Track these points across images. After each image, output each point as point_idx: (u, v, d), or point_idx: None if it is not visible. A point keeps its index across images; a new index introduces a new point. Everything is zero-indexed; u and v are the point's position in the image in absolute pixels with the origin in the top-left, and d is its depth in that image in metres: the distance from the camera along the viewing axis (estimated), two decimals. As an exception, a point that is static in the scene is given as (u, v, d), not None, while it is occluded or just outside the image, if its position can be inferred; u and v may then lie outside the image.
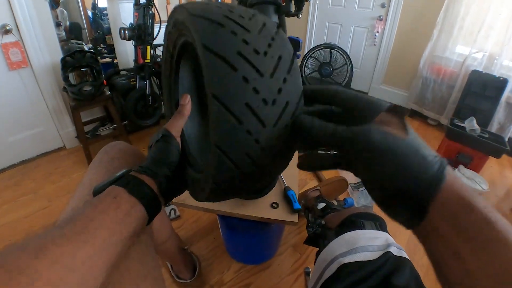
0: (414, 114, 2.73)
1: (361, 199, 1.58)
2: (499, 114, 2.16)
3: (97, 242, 0.28)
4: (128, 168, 0.39)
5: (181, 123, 0.43)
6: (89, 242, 0.27)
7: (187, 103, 0.43)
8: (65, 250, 0.26)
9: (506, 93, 2.09)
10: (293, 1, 0.73)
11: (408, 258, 0.51)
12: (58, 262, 0.25)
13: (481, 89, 2.14)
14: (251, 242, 1.12)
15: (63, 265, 0.25)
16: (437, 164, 0.25)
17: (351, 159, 0.28)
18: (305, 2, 0.73)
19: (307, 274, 1.14)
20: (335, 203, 1.34)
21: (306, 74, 3.08)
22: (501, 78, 2.08)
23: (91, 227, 0.28)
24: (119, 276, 0.39)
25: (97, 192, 0.35)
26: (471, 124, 1.78)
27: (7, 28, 1.61)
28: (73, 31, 3.16)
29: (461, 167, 1.66)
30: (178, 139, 0.41)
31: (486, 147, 1.71)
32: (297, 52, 1.23)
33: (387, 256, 0.49)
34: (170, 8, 2.40)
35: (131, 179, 0.35)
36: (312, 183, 1.71)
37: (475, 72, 2.19)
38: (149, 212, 0.34)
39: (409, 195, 0.25)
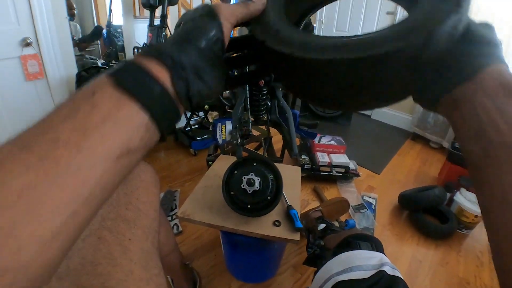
0: (417, 138, 2.76)
1: (363, 221, 1.59)
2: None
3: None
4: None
5: (241, 12, 0.31)
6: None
7: None
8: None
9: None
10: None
11: (402, 277, 0.53)
12: None
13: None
14: (253, 260, 1.13)
15: None
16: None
17: None
18: (311, 32, 0.78)
19: (307, 294, 1.14)
20: (337, 224, 1.35)
21: (310, 95, 3.15)
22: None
23: (42, 140, 0.20)
24: (123, 275, 0.42)
25: None
26: (472, 150, 1.81)
27: (28, 41, 1.70)
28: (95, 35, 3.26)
29: (463, 190, 1.67)
30: (229, 28, 0.30)
31: (487, 172, 1.72)
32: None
33: (380, 275, 0.51)
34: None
35: (127, 65, 0.23)
36: (314, 203, 1.73)
37: (476, 98, 2.24)
38: (155, 117, 0.23)
39: (456, 58, 0.26)
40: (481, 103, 0.24)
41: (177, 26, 0.30)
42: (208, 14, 0.28)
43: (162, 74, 0.23)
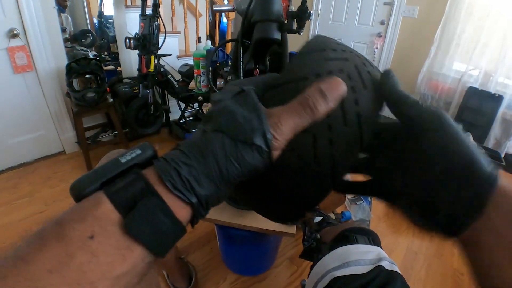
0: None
1: (359, 213, 1.59)
2: (495, 130, 2.20)
3: None
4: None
5: (303, 122, 0.22)
6: None
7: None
8: None
9: (501, 109, 2.13)
10: (295, 20, 0.76)
11: (400, 272, 0.52)
12: None
13: (478, 105, 2.19)
14: (248, 253, 1.12)
15: None
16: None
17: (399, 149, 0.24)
18: (307, 20, 0.76)
19: (303, 287, 1.14)
20: (333, 216, 1.35)
21: (306, 87, 3.12)
22: (497, 95, 2.13)
23: None
24: None
25: (80, 197, 0.19)
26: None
27: (15, 32, 1.64)
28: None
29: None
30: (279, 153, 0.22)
31: (482, 164, 1.73)
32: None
33: (378, 270, 0.50)
34: (175, 19, 2.46)
35: (142, 199, 0.18)
36: (310, 195, 1.72)
37: (471, 88, 2.24)
38: (161, 255, 0.20)
39: (467, 184, 0.20)
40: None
41: (208, 117, 0.23)
42: (257, 140, 0.20)
43: (182, 213, 0.20)
